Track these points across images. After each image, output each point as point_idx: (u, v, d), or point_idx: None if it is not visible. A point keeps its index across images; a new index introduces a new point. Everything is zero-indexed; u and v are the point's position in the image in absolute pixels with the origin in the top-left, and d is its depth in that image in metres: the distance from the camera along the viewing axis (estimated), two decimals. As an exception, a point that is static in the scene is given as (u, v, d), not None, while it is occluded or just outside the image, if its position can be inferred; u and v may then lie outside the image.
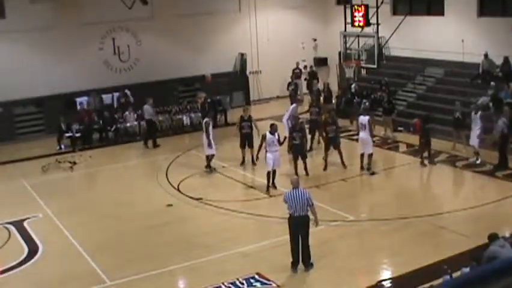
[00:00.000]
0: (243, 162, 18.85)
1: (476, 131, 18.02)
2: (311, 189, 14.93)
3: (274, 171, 16.52)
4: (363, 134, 17.75)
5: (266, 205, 15.56)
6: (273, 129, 16.55)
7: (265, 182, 16.40)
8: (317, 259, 12.11)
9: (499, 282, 4.39)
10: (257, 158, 18.37)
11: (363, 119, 17.86)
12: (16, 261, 12.93)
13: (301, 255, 11.87)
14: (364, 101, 23.83)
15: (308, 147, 19.41)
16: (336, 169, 18.23)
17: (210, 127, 18.57)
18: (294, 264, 11.89)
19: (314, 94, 25.75)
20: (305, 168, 17.29)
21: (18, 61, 23.43)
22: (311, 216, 11.82)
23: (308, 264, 11.92)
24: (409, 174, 17.99)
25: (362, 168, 17.77)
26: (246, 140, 18.76)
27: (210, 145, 18.40)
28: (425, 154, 18.17)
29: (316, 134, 20.29)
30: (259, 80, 28.74)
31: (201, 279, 11.81)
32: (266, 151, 16.59)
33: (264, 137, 16.68)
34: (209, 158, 18.53)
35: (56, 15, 23.97)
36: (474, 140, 18.01)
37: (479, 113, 18.20)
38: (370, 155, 17.71)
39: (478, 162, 17.88)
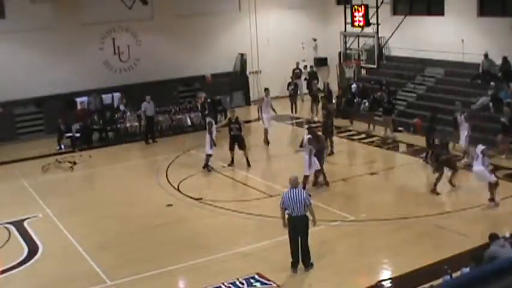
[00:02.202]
0: (231, 163, 18.80)
1: (464, 132, 18.21)
2: (311, 189, 14.98)
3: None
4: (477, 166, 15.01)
5: (266, 205, 15.53)
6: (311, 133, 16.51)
7: (265, 182, 16.35)
8: (317, 259, 12.11)
9: (499, 282, 4.38)
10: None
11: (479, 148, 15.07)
12: (16, 261, 12.92)
13: (301, 255, 11.87)
14: (364, 101, 23.83)
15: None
16: (336, 169, 18.22)
17: (213, 127, 18.63)
18: (294, 264, 11.88)
19: (313, 95, 25.74)
20: (324, 178, 16.67)
21: (19, 61, 23.43)
22: (311, 217, 11.82)
23: (308, 265, 11.92)
24: (409, 174, 18.00)
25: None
26: (235, 142, 18.77)
27: (210, 145, 18.44)
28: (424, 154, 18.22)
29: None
30: (259, 80, 28.73)
31: (201, 279, 11.82)
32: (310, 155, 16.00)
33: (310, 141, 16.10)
34: (207, 158, 18.54)
35: (56, 15, 23.97)
36: (462, 141, 18.23)
37: (465, 113, 18.51)
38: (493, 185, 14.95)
39: (466, 160, 17.87)
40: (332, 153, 19.64)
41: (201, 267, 12.36)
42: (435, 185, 15.76)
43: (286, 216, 11.81)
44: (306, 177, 15.95)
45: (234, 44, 27.71)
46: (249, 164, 18.68)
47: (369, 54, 25.33)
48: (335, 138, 20.56)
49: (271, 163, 19.48)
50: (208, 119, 19.20)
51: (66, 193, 17.54)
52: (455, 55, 23.21)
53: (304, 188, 14.58)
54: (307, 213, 11.73)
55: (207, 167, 18.53)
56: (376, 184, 17.23)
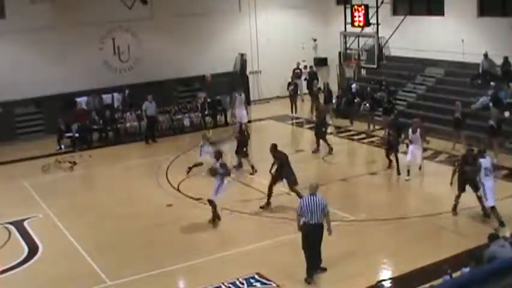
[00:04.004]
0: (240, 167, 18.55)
1: (418, 148, 17.01)
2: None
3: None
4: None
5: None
6: (217, 156, 14.66)
7: (265, 182, 16.26)
8: (317, 259, 12.10)
9: (499, 282, 4.38)
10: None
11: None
12: (16, 261, 12.94)
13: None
14: (364, 102, 23.78)
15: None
16: (336, 169, 18.20)
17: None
18: (311, 273, 11.52)
19: (314, 95, 25.74)
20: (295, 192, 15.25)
21: (18, 61, 23.40)
22: (326, 226, 11.60)
23: (319, 267, 11.68)
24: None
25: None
26: (239, 147, 18.59)
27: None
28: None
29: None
30: (259, 80, 28.73)
31: (201, 279, 11.83)
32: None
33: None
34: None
35: (56, 15, 23.95)
36: (419, 158, 17.10)
37: (419, 131, 17.10)
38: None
39: (408, 178, 16.92)
40: (330, 153, 19.62)
41: (201, 267, 12.37)
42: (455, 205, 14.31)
43: (301, 223, 11.51)
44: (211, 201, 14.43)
45: (234, 44, 27.69)
46: (253, 170, 18.14)
47: (369, 54, 25.31)
48: (335, 138, 20.57)
49: (271, 163, 19.42)
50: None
51: (66, 193, 17.55)
52: (455, 55, 23.20)
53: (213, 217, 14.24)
54: (324, 222, 11.46)
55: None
56: (376, 184, 17.22)
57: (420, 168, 17.44)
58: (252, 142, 20.62)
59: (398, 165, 17.37)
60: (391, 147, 17.69)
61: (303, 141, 22.57)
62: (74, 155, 21.18)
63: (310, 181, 16.46)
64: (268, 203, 15.21)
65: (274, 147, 15.54)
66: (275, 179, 15.29)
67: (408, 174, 16.98)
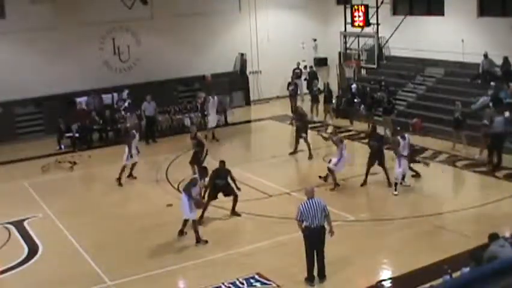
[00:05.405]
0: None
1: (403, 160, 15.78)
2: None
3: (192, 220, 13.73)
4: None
5: (266, 205, 15.56)
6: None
7: (265, 182, 16.30)
8: (317, 259, 12.10)
9: (499, 282, 4.38)
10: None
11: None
12: (16, 261, 12.94)
13: (318, 266, 11.42)
14: (362, 104, 23.75)
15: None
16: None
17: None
18: (311, 281, 11.40)
19: (313, 94, 25.71)
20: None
21: (18, 61, 23.39)
22: (327, 227, 11.48)
23: (323, 276, 11.48)
24: (409, 174, 17.96)
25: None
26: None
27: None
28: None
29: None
30: (259, 80, 28.72)
31: (201, 279, 11.82)
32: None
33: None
34: None
35: (56, 16, 23.94)
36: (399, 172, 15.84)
37: (407, 136, 16.31)
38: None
39: (396, 193, 15.85)
40: (310, 156, 19.60)
41: (201, 267, 12.37)
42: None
43: (303, 227, 11.36)
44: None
45: (234, 44, 27.69)
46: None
47: (369, 54, 25.33)
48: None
49: (271, 163, 19.45)
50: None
51: (66, 193, 17.56)
52: (455, 55, 23.21)
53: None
54: (325, 223, 11.34)
55: None
56: (376, 184, 17.19)
57: (404, 177, 16.24)
58: (252, 142, 20.65)
59: (387, 176, 16.46)
60: (377, 157, 16.74)
61: (303, 141, 22.55)
62: (74, 155, 21.18)
63: (310, 180, 16.68)
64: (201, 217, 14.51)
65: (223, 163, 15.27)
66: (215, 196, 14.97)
67: (396, 189, 15.91)
